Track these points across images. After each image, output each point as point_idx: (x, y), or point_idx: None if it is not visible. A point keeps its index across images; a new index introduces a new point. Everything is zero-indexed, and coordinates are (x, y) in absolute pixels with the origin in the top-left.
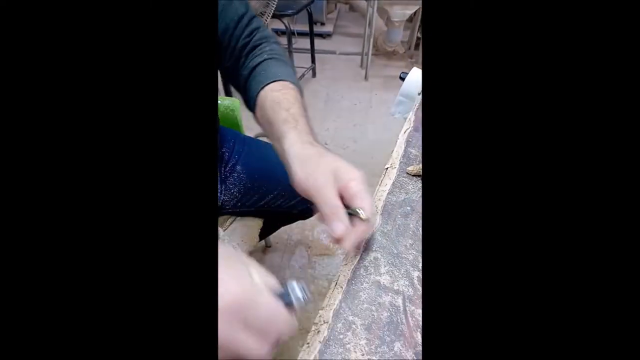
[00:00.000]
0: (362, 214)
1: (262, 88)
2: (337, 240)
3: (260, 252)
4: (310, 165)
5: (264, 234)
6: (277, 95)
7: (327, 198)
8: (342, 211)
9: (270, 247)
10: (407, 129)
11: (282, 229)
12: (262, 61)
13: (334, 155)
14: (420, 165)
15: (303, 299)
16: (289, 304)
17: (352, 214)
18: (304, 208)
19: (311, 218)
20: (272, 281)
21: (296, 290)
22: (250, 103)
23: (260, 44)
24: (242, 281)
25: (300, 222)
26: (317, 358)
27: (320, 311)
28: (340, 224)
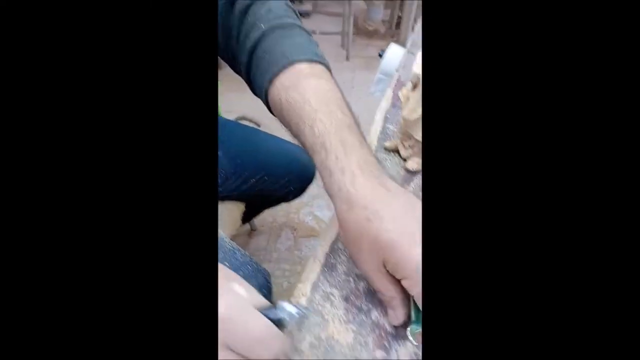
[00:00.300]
0: (417, 335)
1: (271, 82)
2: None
3: (246, 236)
4: (355, 238)
5: (247, 217)
6: (295, 98)
7: (379, 286)
8: (399, 300)
9: (255, 230)
10: (385, 105)
11: (267, 211)
12: (261, 37)
13: (391, 210)
14: (399, 140)
15: (297, 314)
16: (279, 322)
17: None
18: (287, 191)
19: (295, 200)
20: (259, 297)
21: (287, 307)
22: (263, 101)
23: (251, 4)
24: (224, 297)
25: (284, 204)
26: (295, 329)
27: (299, 285)
28: (401, 310)
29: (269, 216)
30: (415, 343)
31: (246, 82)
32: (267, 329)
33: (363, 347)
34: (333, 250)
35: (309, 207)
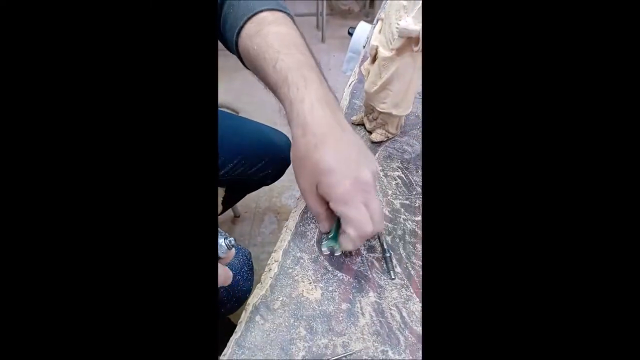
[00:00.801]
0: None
1: (239, 35)
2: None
3: (230, 222)
4: (300, 158)
5: (228, 203)
6: (259, 44)
7: (309, 203)
8: (324, 215)
9: (239, 216)
10: (352, 81)
11: (249, 197)
12: None
13: (337, 143)
14: (363, 114)
15: (226, 245)
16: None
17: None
18: (265, 174)
19: (276, 183)
20: None
21: (220, 241)
22: (234, 53)
23: None
24: None
25: (266, 188)
26: (268, 291)
27: (272, 254)
28: (324, 223)
29: (251, 202)
30: (323, 255)
31: (221, 42)
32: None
33: (330, 302)
34: (303, 219)
35: (291, 190)
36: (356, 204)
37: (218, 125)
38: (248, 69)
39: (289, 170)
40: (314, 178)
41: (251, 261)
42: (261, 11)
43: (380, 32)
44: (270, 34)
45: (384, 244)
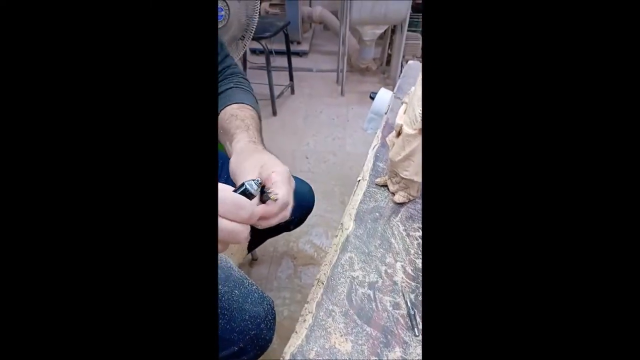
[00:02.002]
0: (274, 196)
1: (223, 109)
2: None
3: (248, 265)
4: (244, 156)
5: (252, 246)
6: (235, 111)
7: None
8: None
9: (256, 260)
10: (375, 145)
11: (268, 241)
12: (228, 89)
13: (270, 154)
14: (387, 177)
15: (256, 185)
16: (245, 193)
17: (268, 197)
18: (289, 220)
19: (296, 230)
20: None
21: (247, 183)
22: None
23: (230, 77)
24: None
25: (285, 234)
26: (304, 341)
27: (305, 305)
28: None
29: (269, 245)
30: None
31: None
32: (238, 198)
33: (360, 354)
34: (334, 274)
35: (308, 236)
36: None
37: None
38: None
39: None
40: (259, 162)
41: (274, 310)
42: (231, 103)
43: (404, 113)
44: (232, 119)
45: (408, 302)
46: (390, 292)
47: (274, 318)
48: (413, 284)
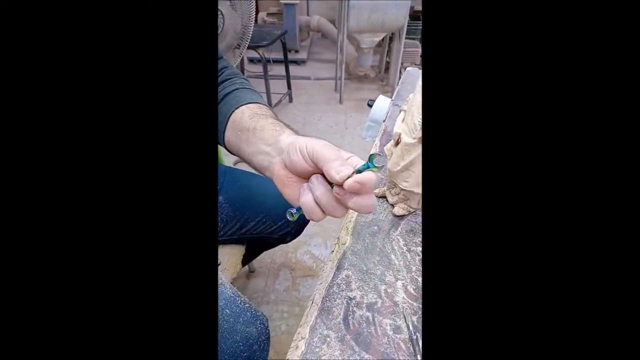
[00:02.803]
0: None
1: (237, 108)
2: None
3: (244, 277)
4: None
5: (247, 259)
6: (256, 110)
7: (330, 155)
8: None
9: (253, 271)
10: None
11: (265, 253)
12: (235, 89)
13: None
14: (385, 188)
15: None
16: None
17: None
18: (285, 232)
19: (293, 241)
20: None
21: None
22: (220, 127)
23: (231, 78)
24: None
25: (282, 245)
26: None
27: (298, 329)
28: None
29: (267, 257)
30: (290, 219)
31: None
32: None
33: None
34: (329, 294)
35: (306, 246)
36: None
37: (241, 185)
38: (224, 133)
39: (306, 229)
40: (306, 159)
41: (268, 330)
42: (259, 103)
43: (403, 121)
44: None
45: (410, 325)
46: (390, 314)
47: (268, 338)
48: (415, 304)
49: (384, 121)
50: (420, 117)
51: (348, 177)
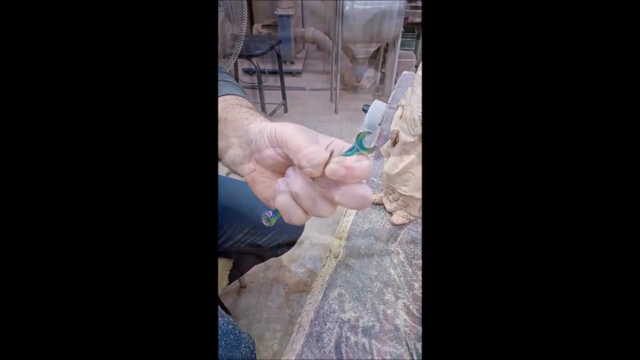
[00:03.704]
0: (368, 141)
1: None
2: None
3: (235, 294)
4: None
5: (236, 274)
6: (231, 101)
7: (301, 142)
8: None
9: (245, 287)
10: None
11: (257, 267)
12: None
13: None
14: (382, 194)
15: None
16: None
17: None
18: (277, 244)
19: (287, 253)
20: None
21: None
22: None
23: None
24: None
25: (275, 259)
26: None
27: (282, 358)
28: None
29: (259, 271)
30: (267, 224)
31: None
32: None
33: None
34: (318, 316)
35: (301, 260)
36: None
37: (228, 194)
38: None
39: (300, 240)
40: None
41: (254, 354)
42: (236, 95)
43: (400, 117)
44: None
45: (414, 354)
46: (390, 339)
47: None
48: (419, 328)
49: (379, 125)
50: (421, 111)
51: (326, 164)
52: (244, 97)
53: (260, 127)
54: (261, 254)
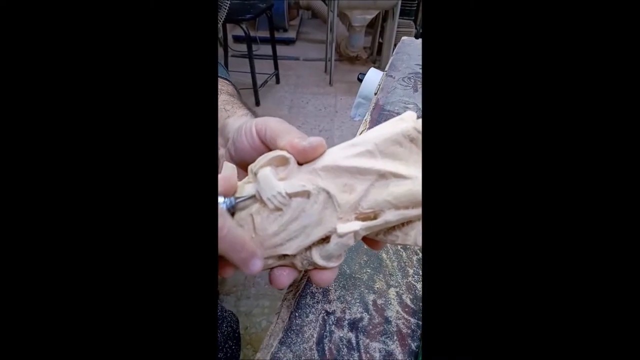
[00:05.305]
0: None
1: None
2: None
3: None
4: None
5: None
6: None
7: (287, 127)
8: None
9: None
10: (363, 130)
11: None
12: None
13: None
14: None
15: (223, 203)
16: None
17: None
18: None
19: None
20: None
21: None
22: None
23: None
24: None
25: None
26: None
27: (257, 354)
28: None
29: None
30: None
31: None
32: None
33: None
34: (299, 306)
35: None
36: None
37: None
38: None
39: None
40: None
41: (238, 331)
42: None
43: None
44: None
45: (407, 351)
46: (380, 334)
47: (238, 341)
48: (413, 321)
49: (375, 94)
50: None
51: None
52: (227, 81)
53: (239, 123)
54: None
